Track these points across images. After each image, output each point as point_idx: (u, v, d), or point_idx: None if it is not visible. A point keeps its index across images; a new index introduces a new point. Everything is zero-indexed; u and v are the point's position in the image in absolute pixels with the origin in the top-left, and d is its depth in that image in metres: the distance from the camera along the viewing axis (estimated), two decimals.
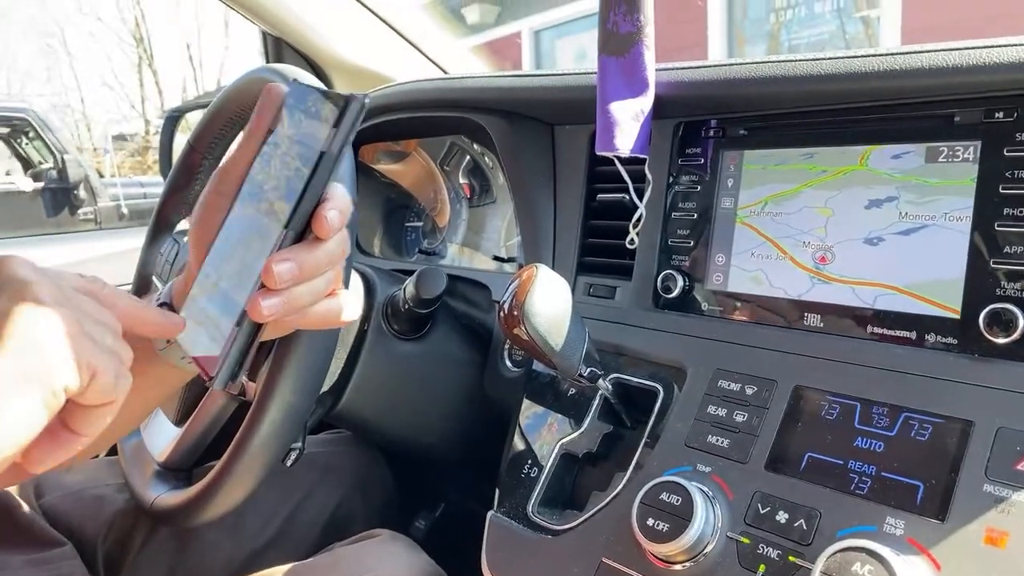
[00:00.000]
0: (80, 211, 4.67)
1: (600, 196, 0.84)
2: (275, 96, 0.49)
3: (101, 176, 5.97)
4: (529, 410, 0.80)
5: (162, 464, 0.83)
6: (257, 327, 0.48)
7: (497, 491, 0.76)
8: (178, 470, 0.84)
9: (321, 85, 0.72)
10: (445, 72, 1.42)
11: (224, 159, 0.53)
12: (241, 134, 1.01)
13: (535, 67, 7.71)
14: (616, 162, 0.75)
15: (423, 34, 1.43)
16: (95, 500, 0.89)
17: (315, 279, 0.48)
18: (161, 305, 0.56)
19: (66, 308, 0.40)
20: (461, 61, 1.48)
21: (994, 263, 0.55)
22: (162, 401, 0.80)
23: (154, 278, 1.03)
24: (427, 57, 1.43)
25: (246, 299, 0.46)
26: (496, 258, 1.05)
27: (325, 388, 0.82)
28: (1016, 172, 0.54)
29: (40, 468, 0.40)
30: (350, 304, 0.52)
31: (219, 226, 0.49)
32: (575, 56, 7.47)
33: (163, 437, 0.85)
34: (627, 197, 0.77)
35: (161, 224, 1.05)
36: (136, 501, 0.82)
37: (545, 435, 0.77)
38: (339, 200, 0.47)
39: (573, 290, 0.84)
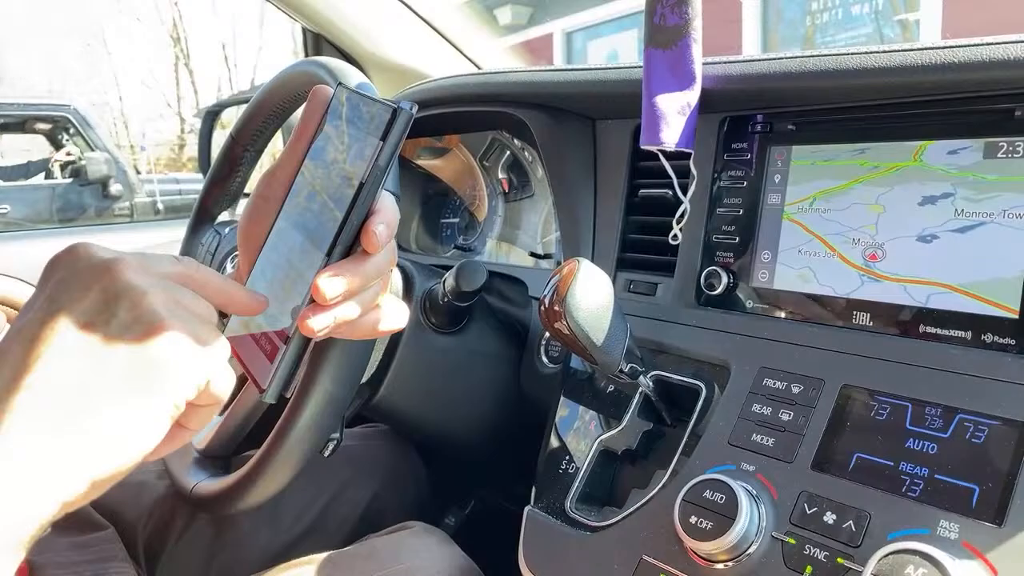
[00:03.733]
0: (116, 205, 4.76)
1: (642, 192, 0.83)
2: (322, 99, 0.48)
3: (138, 172, 6.08)
4: (566, 407, 0.79)
5: (202, 452, 0.85)
6: (307, 341, 0.47)
7: (534, 487, 0.76)
8: (217, 458, 0.85)
9: (370, 84, 0.72)
10: (481, 70, 1.42)
11: (272, 165, 0.53)
12: (280, 132, 1.02)
13: None
14: (660, 156, 0.74)
15: (460, 32, 1.44)
16: (137, 486, 0.90)
17: (364, 292, 0.47)
18: None
19: (179, 317, 0.41)
20: (497, 60, 1.48)
21: None
22: None
23: None
24: (464, 55, 1.44)
25: (295, 312, 0.46)
26: (532, 254, 1.04)
27: (363, 380, 0.82)
28: None
29: (151, 457, 0.42)
30: (397, 313, 0.52)
31: (267, 232, 0.49)
32: (607, 58, 7.44)
33: None
34: (670, 192, 0.76)
35: (203, 215, 1.06)
36: (176, 488, 0.83)
37: (582, 432, 0.76)
38: (387, 213, 0.46)
39: (613, 286, 0.83)
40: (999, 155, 0.57)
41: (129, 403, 0.38)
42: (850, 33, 5.99)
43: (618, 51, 7.36)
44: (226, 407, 0.84)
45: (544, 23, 7.84)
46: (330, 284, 0.44)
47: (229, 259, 0.98)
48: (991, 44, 0.55)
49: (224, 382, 0.42)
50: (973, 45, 0.56)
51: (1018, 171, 0.56)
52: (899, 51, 0.59)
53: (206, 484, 0.80)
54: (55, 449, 0.36)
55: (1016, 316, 0.55)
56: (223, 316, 0.56)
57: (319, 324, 0.45)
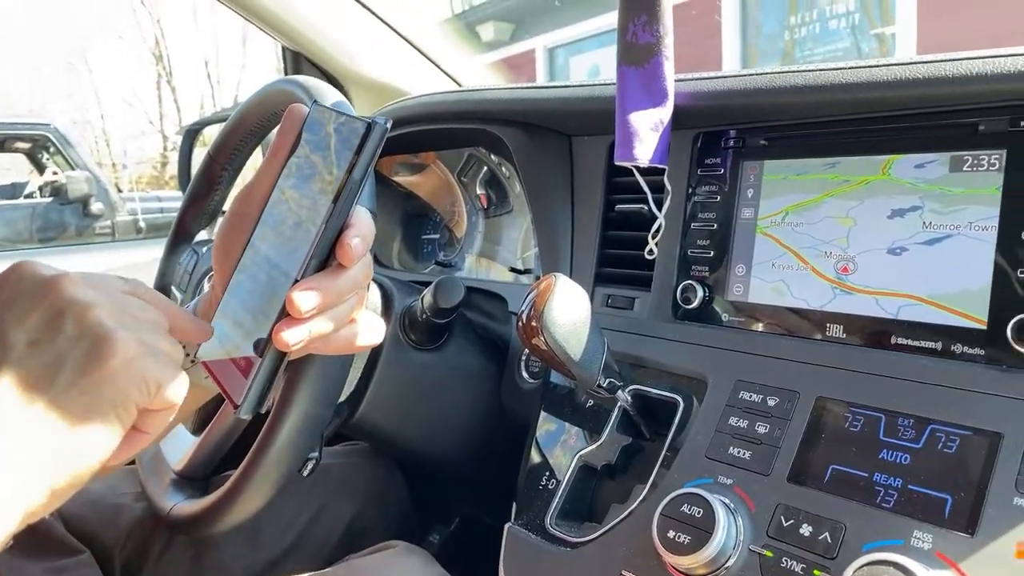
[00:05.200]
0: (97, 224, 4.72)
1: (619, 207, 0.84)
2: (297, 117, 0.48)
3: (119, 190, 6.04)
4: (546, 422, 0.79)
5: (179, 473, 0.84)
6: (282, 355, 0.47)
7: (515, 503, 0.76)
8: (195, 479, 0.84)
9: (345, 102, 0.72)
10: (461, 87, 1.43)
11: (246, 183, 0.53)
12: (259, 149, 1.02)
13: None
14: (635, 172, 0.74)
15: (439, 49, 1.44)
16: (113, 508, 0.89)
17: (339, 306, 0.48)
18: None
19: (127, 328, 0.41)
20: (477, 77, 1.49)
21: (1021, 273, 0.54)
22: (184, 418, 0.81)
23: (173, 288, 1.03)
24: (444, 72, 1.44)
25: (269, 327, 0.46)
26: (513, 270, 1.05)
27: (342, 398, 0.82)
28: None
29: (111, 463, 0.43)
30: (373, 328, 0.52)
31: (242, 249, 0.50)
32: (588, 73, 7.50)
33: (180, 446, 0.86)
34: (646, 207, 0.77)
35: (181, 234, 1.05)
36: (154, 510, 0.82)
37: (562, 447, 0.76)
38: (362, 226, 0.47)
39: (591, 301, 0.84)
40: (964, 168, 0.58)
41: (79, 413, 0.39)
42: (828, 47, 6.07)
43: (600, 66, 7.42)
44: (203, 427, 0.84)
45: (526, 39, 7.90)
46: (304, 297, 0.45)
47: (207, 279, 0.97)
48: (954, 60, 0.56)
49: (177, 386, 0.43)
50: (937, 61, 0.57)
51: (983, 184, 0.57)
52: (865, 67, 0.61)
53: (184, 506, 0.79)
54: (10, 460, 0.37)
55: (984, 327, 0.56)
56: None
57: (294, 338, 0.45)
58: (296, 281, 0.46)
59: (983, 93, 0.56)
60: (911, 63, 0.58)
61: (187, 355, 0.55)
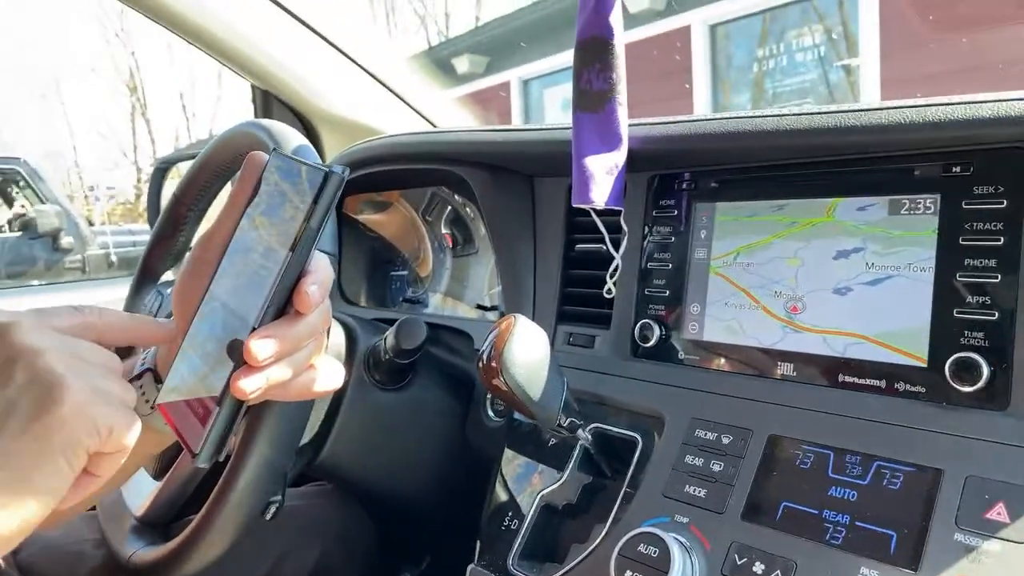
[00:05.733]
0: (67, 259, 4.66)
1: (579, 246, 0.85)
2: (256, 165, 0.49)
3: (91, 224, 5.98)
4: (511, 460, 0.80)
5: (140, 519, 0.83)
6: (240, 403, 0.48)
7: (478, 543, 0.76)
8: (156, 525, 0.83)
9: (308, 147, 0.74)
10: (431, 123, 1.45)
11: (206, 228, 0.54)
12: (226, 190, 1.03)
13: (524, 115, 7.85)
14: (592, 213, 0.76)
15: (409, 86, 1.46)
16: (73, 556, 0.88)
17: (297, 353, 0.48)
18: (145, 372, 0.56)
19: (77, 373, 0.42)
20: (447, 112, 1.51)
21: (957, 312, 0.56)
22: (145, 463, 0.80)
23: None
24: (413, 109, 1.46)
25: (227, 375, 0.47)
26: (479, 306, 1.06)
27: (305, 440, 0.82)
28: (974, 224, 0.56)
29: (64, 507, 0.43)
30: (332, 373, 0.52)
31: (201, 296, 0.50)
32: (562, 104, 7.59)
33: (141, 491, 0.85)
34: (605, 247, 0.79)
35: (146, 275, 1.05)
36: (114, 557, 0.81)
37: (526, 486, 0.77)
38: (320, 273, 0.47)
39: (553, 339, 0.85)
40: (902, 212, 0.60)
41: (29, 459, 0.39)
42: (798, 78, 6.21)
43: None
44: (165, 472, 0.83)
45: (501, 72, 8.01)
46: (261, 345, 0.45)
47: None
48: (888, 109, 0.59)
49: (128, 429, 0.43)
50: (872, 110, 0.60)
51: (920, 227, 0.59)
52: (805, 115, 0.63)
53: (144, 552, 0.78)
54: None
55: (924, 365, 0.58)
56: (158, 381, 0.56)
57: (251, 386, 0.45)
58: (254, 329, 0.47)
59: (916, 141, 0.58)
60: (848, 111, 0.61)
61: (146, 401, 0.55)
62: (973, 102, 0.56)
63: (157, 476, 0.86)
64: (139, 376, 0.54)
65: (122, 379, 0.46)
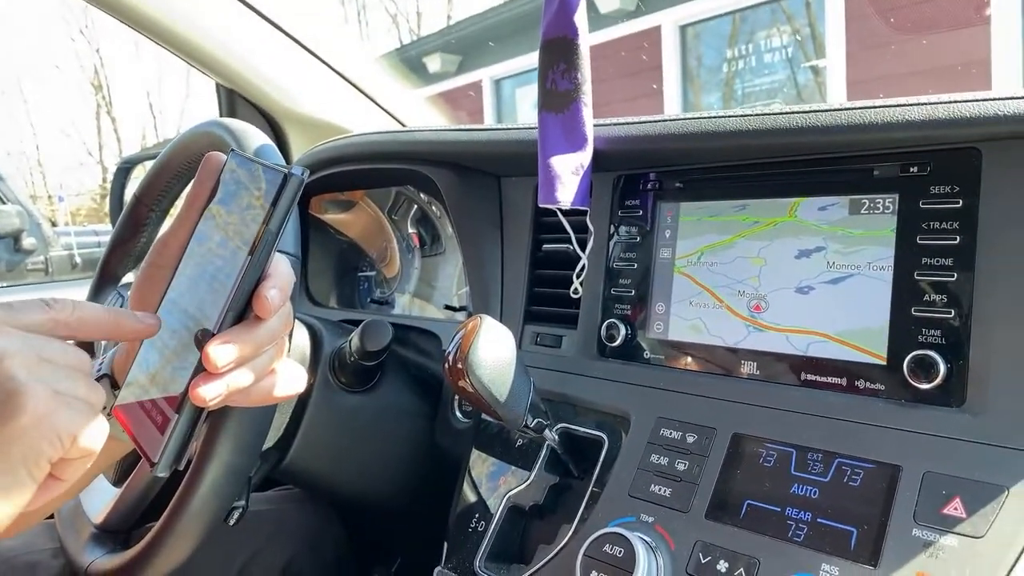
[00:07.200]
0: (29, 260, 4.55)
1: (546, 246, 0.85)
2: (214, 166, 0.48)
3: (54, 225, 5.85)
4: (478, 461, 0.80)
5: (99, 526, 0.81)
6: (199, 410, 0.47)
7: (446, 545, 0.75)
8: (116, 532, 0.81)
9: (270, 147, 0.72)
10: (400, 122, 1.44)
11: (163, 230, 0.53)
12: (186, 191, 1.01)
13: (496, 114, 7.84)
14: (559, 214, 0.76)
15: (378, 85, 1.45)
16: (28, 567, 0.85)
17: (257, 358, 0.47)
18: (101, 378, 0.55)
19: (41, 379, 0.40)
20: (416, 111, 1.50)
21: (915, 311, 0.57)
22: (104, 469, 0.78)
23: None
24: (382, 108, 1.45)
25: (186, 382, 0.45)
26: (448, 307, 1.05)
27: (270, 443, 0.80)
28: (931, 223, 0.57)
29: (27, 512, 0.42)
30: (294, 377, 0.51)
31: (159, 301, 0.49)
32: (533, 104, 7.60)
33: (100, 498, 0.83)
34: (571, 247, 0.78)
35: (106, 277, 1.03)
36: (72, 566, 0.79)
37: (494, 487, 0.77)
38: (280, 277, 0.46)
39: (520, 339, 0.85)
40: (863, 211, 0.61)
41: None
42: (767, 78, 6.29)
43: None
44: (125, 478, 0.81)
45: (473, 71, 7.99)
46: (220, 352, 0.44)
47: None
48: (848, 110, 0.60)
49: (94, 434, 0.42)
50: (832, 111, 0.60)
51: (880, 226, 0.60)
52: (766, 115, 0.63)
53: (103, 561, 0.76)
54: None
55: (884, 363, 0.58)
56: (114, 387, 0.55)
57: (210, 393, 0.44)
58: (213, 335, 0.46)
59: (874, 141, 0.59)
60: (809, 111, 0.62)
61: (103, 408, 0.54)
62: (929, 103, 0.56)
63: (117, 482, 0.84)
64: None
65: (90, 379, 0.44)
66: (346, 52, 1.42)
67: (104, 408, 0.52)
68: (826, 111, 0.61)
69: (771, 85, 6.23)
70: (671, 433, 0.65)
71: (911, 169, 0.59)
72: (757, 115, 0.65)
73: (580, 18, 0.70)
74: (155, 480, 0.79)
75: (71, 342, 0.45)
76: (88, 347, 1.01)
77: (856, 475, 0.55)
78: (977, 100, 0.54)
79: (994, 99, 0.54)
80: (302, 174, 0.47)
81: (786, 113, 0.63)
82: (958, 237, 0.56)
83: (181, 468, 0.49)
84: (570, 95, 0.71)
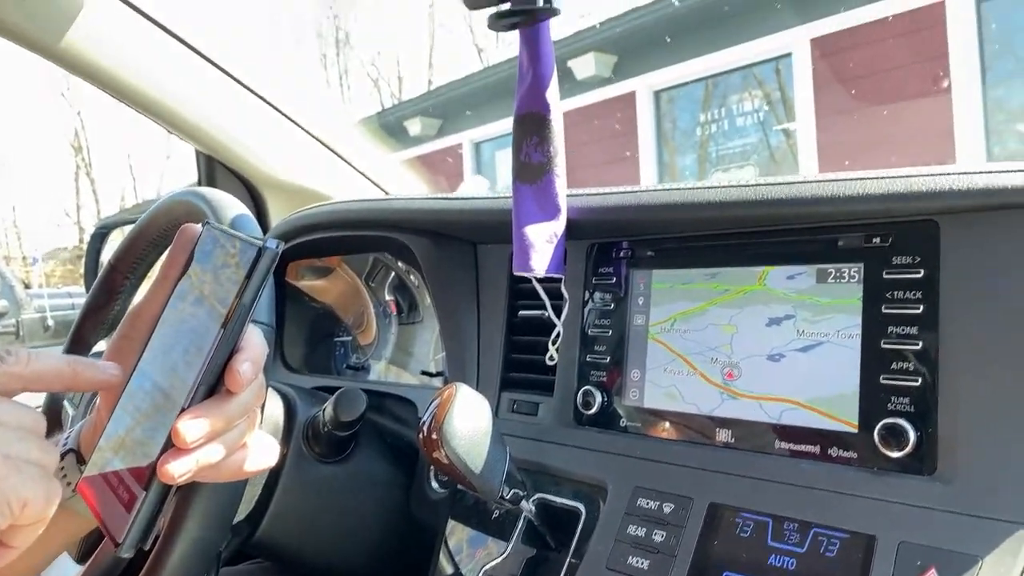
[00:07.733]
0: (0, 323, 4.47)
1: (522, 313, 0.86)
2: (188, 237, 0.48)
3: (27, 287, 5.78)
4: (454, 532, 0.78)
5: None
6: (167, 487, 0.46)
7: None
8: None
9: (248, 218, 0.73)
10: (379, 187, 1.45)
11: (135, 302, 0.52)
12: (161, 259, 1.01)
13: (476, 175, 7.95)
14: (534, 281, 0.77)
15: (357, 150, 1.47)
16: None
17: (228, 432, 0.46)
18: (68, 452, 0.54)
19: None
20: (395, 175, 1.52)
21: (883, 379, 0.58)
22: (66, 548, 0.76)
23: (66, 402, 0.99)
24: (361, 173, 1.47)
25: (155, 457, 0.44)
26: (424, 372, 1.05)
27: (241, 516, 0.78)
28: (895, 293, 0.58)
29: None
30: (266, 450, 0.50)
31: (129, 374, 0.48)
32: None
33: (63, 575, 0.80)
34: (547, 314, 0.79)
35: (78, 344, 1.02)
36: None
37: (470, 559, 0.75)
38: (253, 350, 0.46)
39: (497, 407, 0.84)
40: (829, 280, 0.63)
41: None
42: (741, 141, 6.47)
43: None
44: (88, 554, 0.78)
45: (453, 134, 8.15)
46: (190, 427, 0.43)
47: (98, 396, 0.94)
48: (811, 183, 0.62)
49: (46, 500, 0.41)
50: (796, 183, 0.62)
51: (847, 295, 0.61)
52: (733, 187, 0.65)
53: None
54: None
55: (855, 430, 0.59)
56: (80, 462, 0.54)
57: (179, 469, 0.43)
58: (183, 409, 0.45)
59: (836, 213, 0.61)
60: (774, 184, 0.64)
61: (68, 484, 0.52)
62: (887, 177, 0.59)
63: (81, 559, 0.81)
64: (60, 457, 0.51)
65: (43, 441, 0.42)
66: (324, 117, 1.45)
67: (70, 484, 0.51)
68: (788, 183, 0.63)
69: (744, 148, 6.41)
70: (648, 503, 0.65)
71: (874, 240, 0.60)
72: (725, 187, 0.67)
73: (552, 93, 0.72)
74: (119, 558, 0.77)
75: (27, 402, 0.44)
76: (58, 406, 0.99)
77: (832, 545, 0.55)
78: (933, 175, 0.57)
79: (949, 174, 0.56)
80: (276, 247, 0.47)
81: (751, 186, 0.65)
82: (921, 306, 0.57)
83: (147, 548, 0.48)
84: (543, 167, 0.73)
